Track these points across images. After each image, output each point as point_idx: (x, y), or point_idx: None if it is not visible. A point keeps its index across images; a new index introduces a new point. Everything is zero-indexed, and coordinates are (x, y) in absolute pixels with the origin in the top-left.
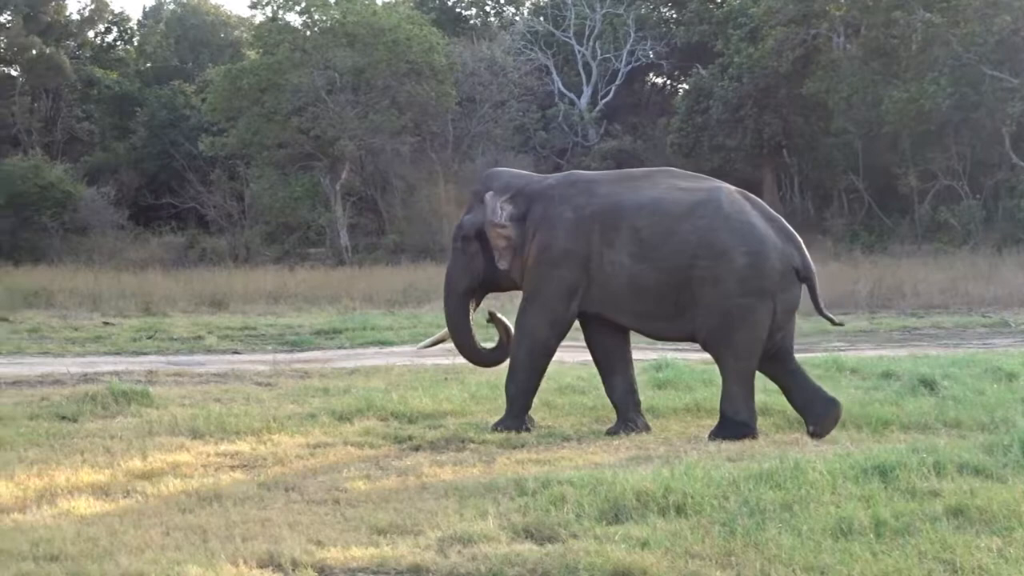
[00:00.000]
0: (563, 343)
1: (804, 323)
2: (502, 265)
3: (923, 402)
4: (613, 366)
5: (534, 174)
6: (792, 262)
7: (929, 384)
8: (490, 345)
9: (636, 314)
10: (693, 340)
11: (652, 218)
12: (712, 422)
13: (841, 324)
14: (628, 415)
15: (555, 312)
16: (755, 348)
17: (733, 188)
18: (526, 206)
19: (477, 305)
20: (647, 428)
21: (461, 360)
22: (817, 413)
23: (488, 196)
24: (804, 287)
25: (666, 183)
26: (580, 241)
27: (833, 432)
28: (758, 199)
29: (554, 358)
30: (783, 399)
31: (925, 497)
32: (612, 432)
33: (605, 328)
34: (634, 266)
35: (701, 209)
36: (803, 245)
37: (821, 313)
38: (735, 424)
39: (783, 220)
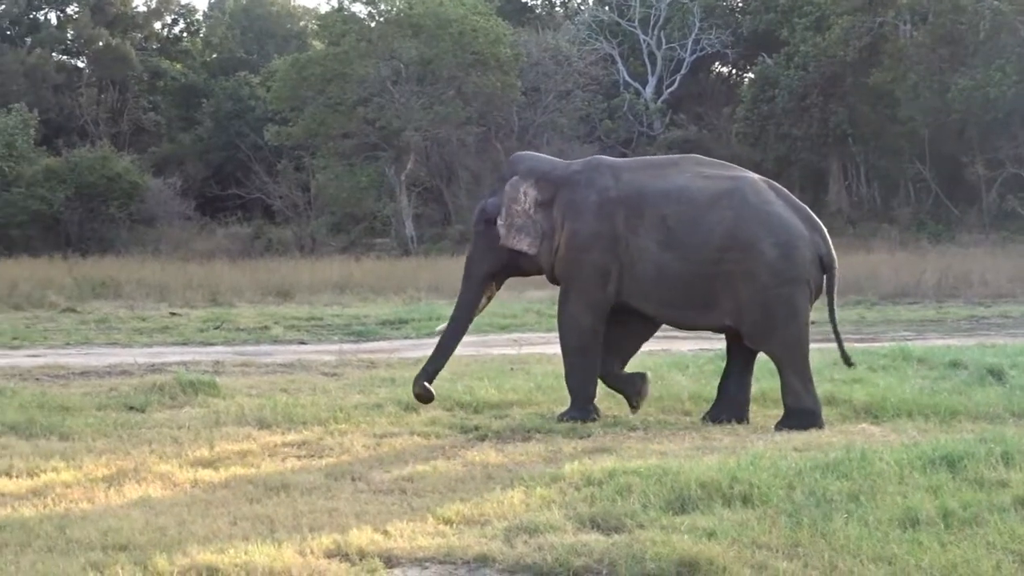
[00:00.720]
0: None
1: (869, 313)
2: (526, 247)
3: (991, 392)
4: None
5: (559, 160)
6: (818, 250)
7: (997, 374)
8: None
9: (663, 303)
10: (724, 331)
11: (678, 206)
12: (779, 411)
13: (851, 364)
14: (625, 378)
15: (592, 296)
16: (802, 334)
17: (757, 177)
18: (552, 192)
19: (497, 288)
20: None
21: (527, 350)
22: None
23: (512, 181)
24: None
25: (691, 170)
26: (606, 224)
27: (900, 422)
28: (782, 188)
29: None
30: (849, 389)
31: (993, 487)
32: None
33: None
34: (661, 254)
35: (727, 199)
36: (827, 234)
37: (832, 307)
38: (800, 413)
39: (807, 208)
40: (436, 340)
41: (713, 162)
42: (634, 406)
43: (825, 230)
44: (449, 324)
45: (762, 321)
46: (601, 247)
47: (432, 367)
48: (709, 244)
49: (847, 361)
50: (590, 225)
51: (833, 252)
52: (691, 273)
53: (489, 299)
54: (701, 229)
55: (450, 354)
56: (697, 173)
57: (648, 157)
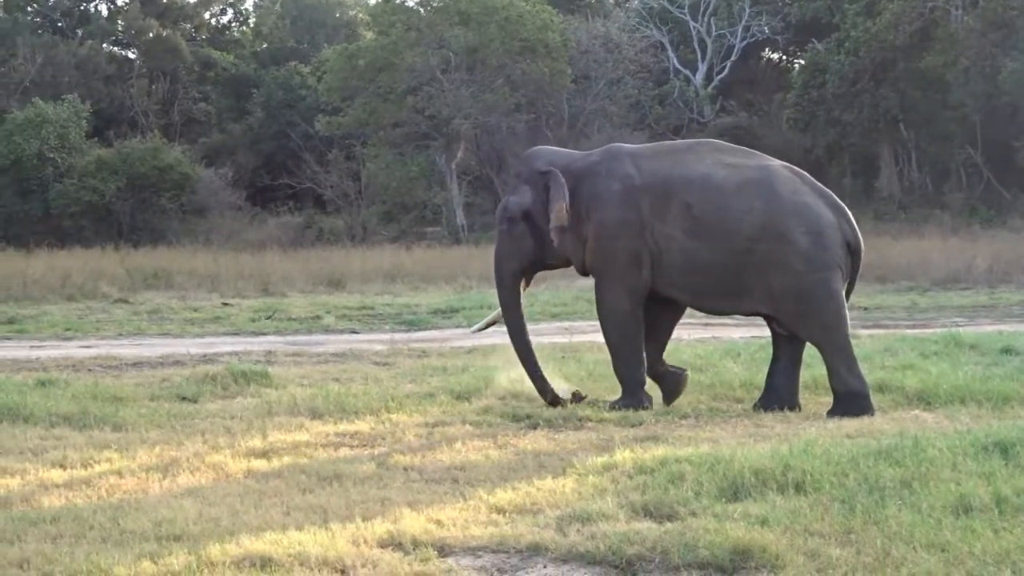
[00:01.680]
0: (680, 322)
1: (921, 299)
2: (554, 242)
3: None
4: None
5: (576, 152)
6: (845, 236)
7: None
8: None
9: (694, 290)
10: (756, 315)
11: (703, 194)
12: (830, 398)
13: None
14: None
15: (628, 282)
16: (841, 318)
17: (780, 163)
18: (572, 184)
19: (527, 285)
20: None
21: (578, 338)
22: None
23: (551, 179)
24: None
25: (712, 158)
26: (632, 211)
27: (953, 408)
28: (805, 174)
29: (672, 336)
30: (901, 375)
31: None
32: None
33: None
34: (688, 242)
35: (753, 189)
36: (852, 219)
37: (850, 290)
38: (848, 396)
39: (832, 194)
40: (478, 334)
41: (731, 148)
42: (668, 401)
43: (850, 214)
44: (510, 334)
45: (800, 308)
46: (629, 234)
47: (537, 379)
48: (739, 234)
49: None
50: (616, 213)
51: (860, 237)
52: (721, 262)
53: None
54: (729, 219)
55: (534, 355)
56: (719, 161)
57: (663, 142)
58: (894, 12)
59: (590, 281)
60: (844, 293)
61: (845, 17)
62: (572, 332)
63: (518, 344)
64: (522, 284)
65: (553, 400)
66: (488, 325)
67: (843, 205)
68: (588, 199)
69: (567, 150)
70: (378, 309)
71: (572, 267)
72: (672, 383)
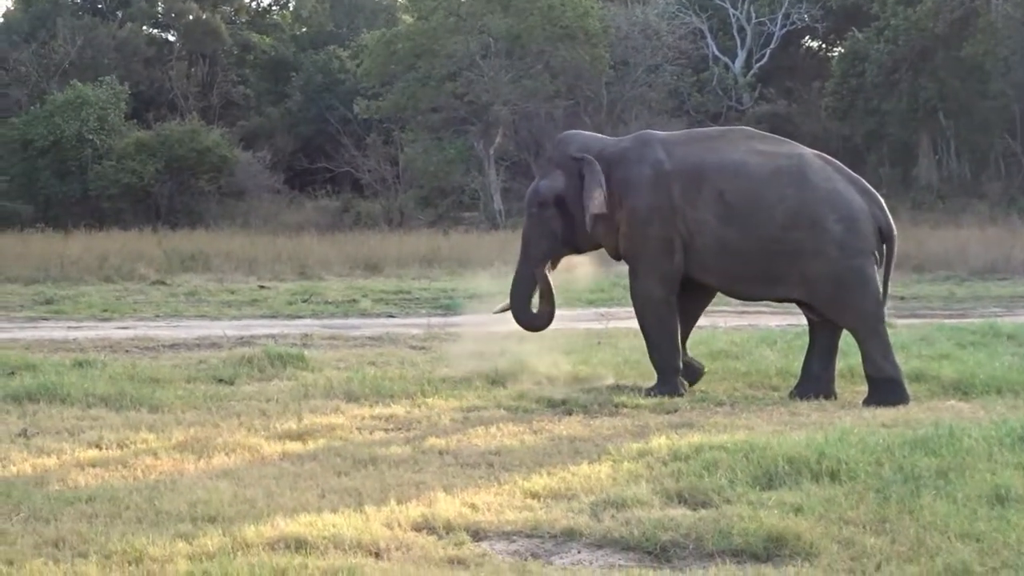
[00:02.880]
0: (713, 308)
1: (958, 289)
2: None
3: None
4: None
5: (608, 138)
6: (878, 222)
7: None
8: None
9: (727, 276)
10: (789, 301)
11: (736, 182)
12: (866, 387)
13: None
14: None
15: (661, 268)
16: (876, 304)
17: (812, 151)
18: (604, 170)
19: (554, 267)
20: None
21: (614, 324)
22: None
23: (586, 166)
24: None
25: (745, 145)
26: (663, 196)
27: (989, 399)
28: (836, 162)
29: (705, 323)
30: (938, 365)
31: None
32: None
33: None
34: (721, 228)
35: (786, 177)
36: (884, 205)
37: (886, 278)
38: (882, 383)
39: (863, 181)
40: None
41: (763, 136)
42: (682, 392)
43: (882, 201)
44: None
45: (836, 295)
46: (661, 219)
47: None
48: (772, 222)
49: None
50: (647, 199)
51: (892, 223)
52: (754, 249)
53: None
54: (762, 206)
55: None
56: (751, 148)
57: (695, 130)
58: (934, 1)
59: (626, 267)
60: (884, 280)
61: (885, 5)
62: (608, 318)
63: (515, 304)
64: (548, 266)
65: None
66: (507, 309)
67: (875, 192)
68: (619, 185)
69: (600, 136)
70: (414, 293)
71: (605, 252)
72: (687, 374)
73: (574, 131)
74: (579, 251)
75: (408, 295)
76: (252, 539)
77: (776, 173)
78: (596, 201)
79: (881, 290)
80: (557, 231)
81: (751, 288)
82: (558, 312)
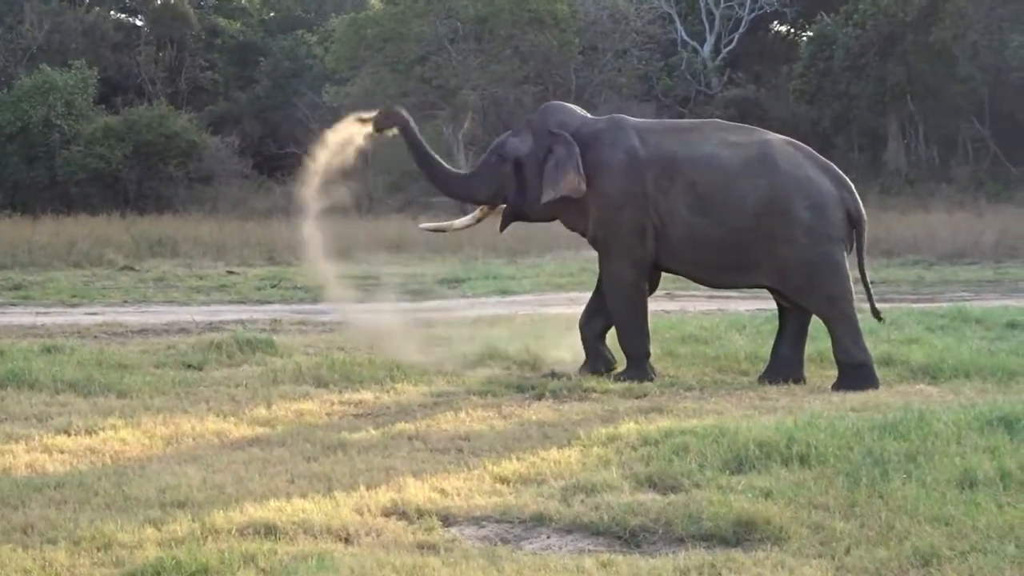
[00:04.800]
0: (684, 293)
1: (927, 273)
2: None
3: None
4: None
5: (588, 116)
6: (847, 207)
7: None
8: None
9: (698, 264)
10: (760, 288)
11: (708, 174)
12: (835, 371)
13: (880, 318)
14: (599, 350)
15: (633, 253)
16: (847, 288)
17: (782, 139)
18: (579, 149)
19: (502, 229)
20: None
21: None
22: None
23: (563, 144)
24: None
25: (716, 137)
26: (636, 183)
27: (958, 383)
28: (807, 147)
29: (675, 308)
30: (907, 349)
31: None
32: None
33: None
34: (693, 218)
35: (757, 167)
36: (854, 191)
37: (861, 262)
38: (852, 368)
39: (834, 166)
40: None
41: (735, 126)
42: (583, 374)
43: (852, 186)
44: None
45: (806, 280)
46: (633, 205)
47: None
48: (744, 211)
49: (876, 315)
50: (620, 184)
51: (861, 207)
52: (726, 238)
53: (477, 221)
54: (734, 196)
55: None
56: (723, 140)
57: (671, 120)
58: None
59: (595, 252)
60: (859, 265)
61: None
62: (577, 303)
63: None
64: (478, 213)
65: None
66: (437, 229)
67: (845, 177)
68: (591, 167)
69: (581, 113)
70: (384, 279)
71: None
72: (596, 363)
73: (560, 103)
74: (525, 218)
75: (377, 281)
76: (221, 525)
77: (747, 163)
78: (569, 183)
79: (859, 275)
80: (504, 189)
81: (722, 276)
82: (527, 297)
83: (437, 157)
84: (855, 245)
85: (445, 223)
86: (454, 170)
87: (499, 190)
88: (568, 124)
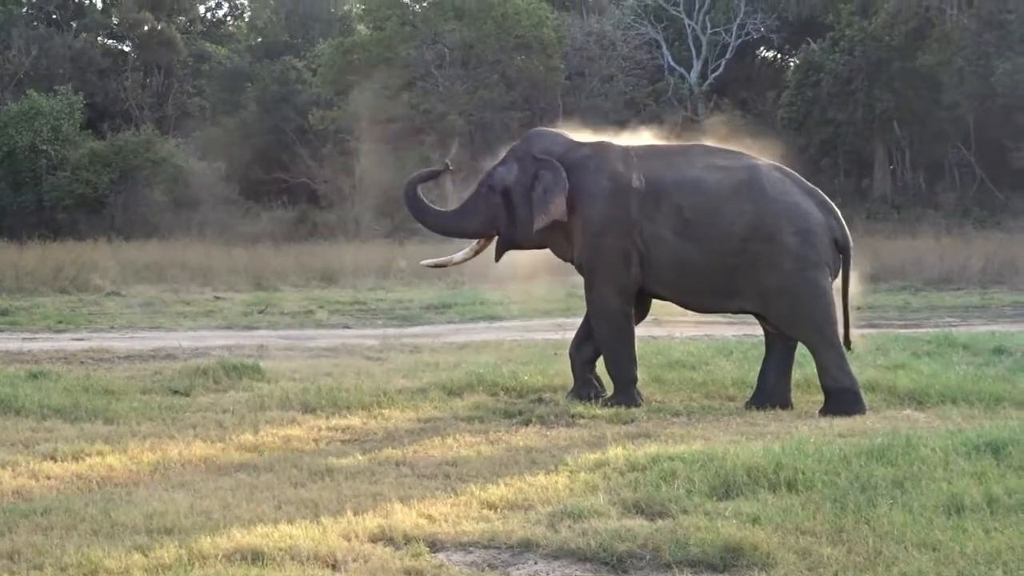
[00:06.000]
0: (672, 319)
1: (913, 299)
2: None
3: None
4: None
5: (573, 140)
6: (833, 234)
7: None
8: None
9: (683, 290)
10: (745, 313)
11: (694, 198)
12: (822, 397)
13: (849, 347)
14: (587, 377)
15: (618, 279)
16: (830, 315)
17: (770, 163)
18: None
19: (497, 259)
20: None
21: (571, 335)
22: None
23: (550, 170)
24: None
25: (703, 161)
26: (620, 208)
27: (945, 408)
28: (794, 173)
29: (662, 334)
30: (893, 375)
31: None
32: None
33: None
34: (678, 243)
35: (744, 192)
36: (841, 216)
37: (845, 289)
38: (838, 393)
39: (820, 192)
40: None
41: (723, 150)
42: (570, 400)
43: (839, 212)
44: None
45: (790, 307)
46: (617, 232)
47: None
48: (731, 236)
49: (846, 343)
50: (603, 210)
51: (848, 233)
52: (712, 263)
53: (476, 253)
54: (721, 221)
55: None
56: (710, 164)
57: (659, 144)
58: (889, 11)
59: (582, 278)
60: (843, 292)
61: (840, 16)
62: (565, 329)
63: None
64: (476, 246)
65: None
66: (438, 265)
67: (831, 203)
68: (576, 193)
69: (566, 138)
70: (371, 304)
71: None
72: (584, 389)
73: (544, 129)
74: (518, 247)
75: (364, 306)
76: (208, 551)
77: (734, 188)
78: (557, 207)
79: (841, 302)
80: (496, 219)
81: (707, 301)
82: (514, 322)
83: (425, 201)
84: (841, 271)
85: (445, 258)
86: (444, 210)
87: (491, 221)
88: (553, 150)
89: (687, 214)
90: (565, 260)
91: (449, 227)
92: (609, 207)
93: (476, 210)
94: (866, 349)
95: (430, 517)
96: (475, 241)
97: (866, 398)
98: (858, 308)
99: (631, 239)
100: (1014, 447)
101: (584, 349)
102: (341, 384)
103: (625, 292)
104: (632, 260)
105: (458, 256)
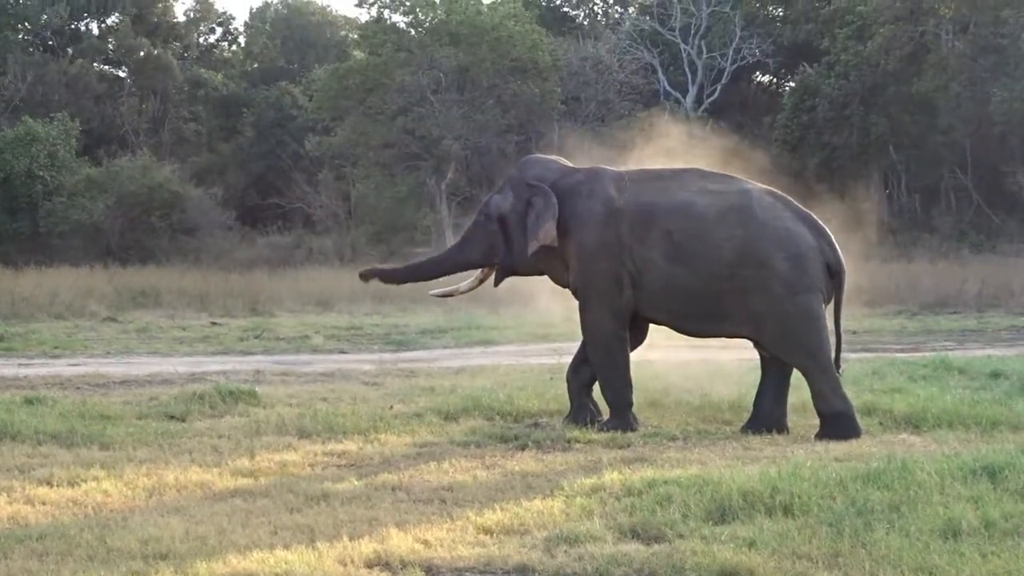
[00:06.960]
0: (666, 342)
1: (909, 323)
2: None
3: None
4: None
5: (567, 166)
6: (826, 258)
7: None
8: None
9: (674, 313)
10: (738, 338)
11: (685, 222)
12: (818, 421)
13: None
14: (583, 401)
15: (611, 303)
16: (823, 339)
17: (762, 188)
18: (557, 200)
19: (496, 283)
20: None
21: (567, 360)
22: None
23: (542, 196)
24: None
25: (695, 185)
26: (611, 233)
27: (941, 432)
28: (787, 197)
29: (659, 358)
30: (890, 399)
31: None
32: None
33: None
34: (669, 267)
35: (735, 216)
36: (834, 241)
37: (837, 313)
38: (833, 417)
39: (813, 216)
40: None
41: (715, 175)
42: (566, 425)
43: (832, 237)
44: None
45: (782, 332)
46: (609, 256)
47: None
48: (720, 260)
49: (836, 365)
50: (595, 235)
51: (841, 258)
52: (702, 287)
53: (480, 282)
54: (710, 245)
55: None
56: (702, 188)
57: (651, 168)
58: (885, 36)
59: (576, 302)
60: (835, 316)
61: (836, 41)
62: (560, 353)
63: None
64: (480, 275)
65: None
66: (445, 295)
67: (824, 227)
68: (569, 218)
69: (560, 164)
70: (366, 329)
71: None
72: (580, 414)
73: (538, 156)
74: (517, 273)
75: (360, 331)
76: None
77: (725, 212)
78: (547, 232)
79: (833, 327)
80: (496, 247)
81: (699, 325)
82: (509, 347)
83: (414, 262)
84: (835, 293)
85: (452, 288)
86: (440, 253)
87: (490, 250)
88: (546, 177)
89: (677, 238)
90: (562, 286)
91: (453, 264)
92: (602, 232)
93: (476, 239)
94: (863, 373)
95: (426, 542)
96: (479, 270)
97: (862, 422)
98: (854, 332)
99: (622, 263)
100: (1010, 471)
101: (581, 373)
102: (337, 409)
103: (619, 316)
104: (625, 284)
105: (464, 285)
